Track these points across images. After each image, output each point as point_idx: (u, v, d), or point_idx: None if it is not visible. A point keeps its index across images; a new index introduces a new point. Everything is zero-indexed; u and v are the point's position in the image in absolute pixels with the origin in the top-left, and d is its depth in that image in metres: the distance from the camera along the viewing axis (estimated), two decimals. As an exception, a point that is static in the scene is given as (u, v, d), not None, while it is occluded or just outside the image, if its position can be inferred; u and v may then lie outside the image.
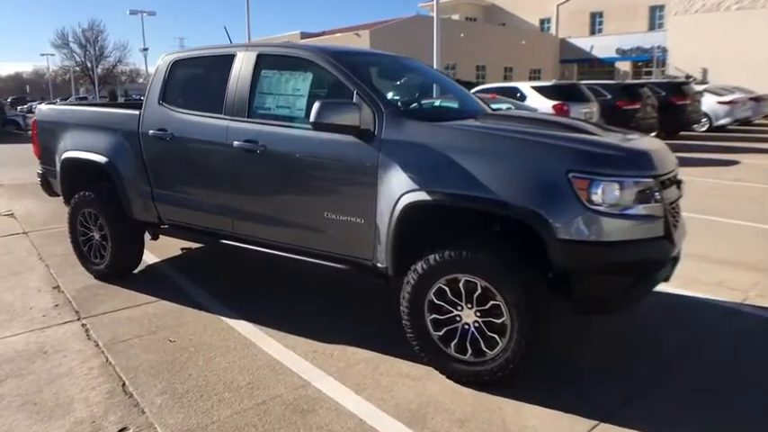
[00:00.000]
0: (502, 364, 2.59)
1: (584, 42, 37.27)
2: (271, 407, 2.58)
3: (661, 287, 3.93)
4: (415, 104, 3.30)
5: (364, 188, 2.86)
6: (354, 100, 2.93)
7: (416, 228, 2.78)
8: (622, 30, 35.08)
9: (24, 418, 2.54)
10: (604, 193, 2.41)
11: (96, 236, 4.28)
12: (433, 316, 2.74)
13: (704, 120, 15.56)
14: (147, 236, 4.28)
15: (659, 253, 2.61)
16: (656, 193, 2.55)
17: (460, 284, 2.64)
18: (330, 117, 2.80)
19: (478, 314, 2.64)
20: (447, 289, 2.68)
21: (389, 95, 3.23)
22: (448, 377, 2.77)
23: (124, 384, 2.81)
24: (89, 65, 58.57)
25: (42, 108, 4.67)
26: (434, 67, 16.54)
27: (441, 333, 2.74)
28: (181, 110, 3.68)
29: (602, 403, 2.58)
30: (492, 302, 2.57)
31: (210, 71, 3.63)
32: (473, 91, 12.60)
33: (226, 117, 3.43)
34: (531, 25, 40.82)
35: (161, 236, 4.21)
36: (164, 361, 3.05)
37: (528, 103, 11.19)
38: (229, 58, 3.53)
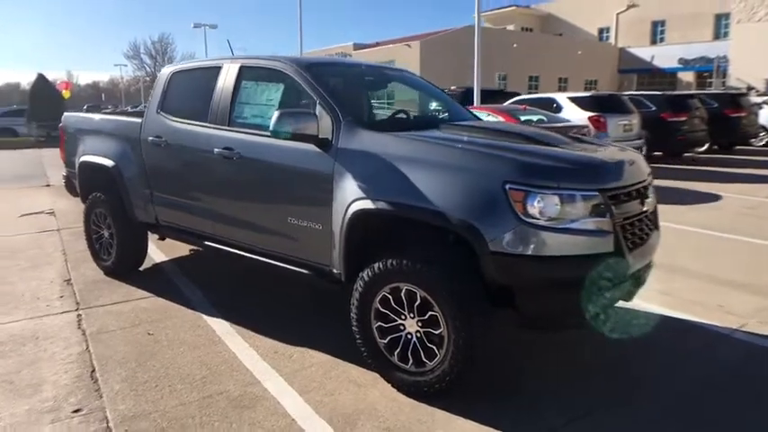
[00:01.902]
0: (439, 375, 2.60)
1: (644, 52, 35.83)
2: (215, 401, 2.71)
3: (654, 308, 3.87)
4: (376, 114, 3.35)
5: (322, 195, 2.95)
6: (317, 110, 3.04)
7: (365, 235, 2.84)
8: (686, 39, 33.47)
9: (-2, 395, 2.79)
10: (542, 205, 2.36)
11: (106, 234, 4.60)
12: (379, 324, 2.78)
13: (762, 133, 14.60)
14: (155, 236, 4.56)
15: (607, 270, 2.53)
16: (604, 208, 2.48)
17: (402, 293, 2.67)
18: (288, 126, 2.91)
19: (420, 324, 2.66)
20: (390, 297, 2.71)
21: (363, 105, 3.32)
22: (392, 385, 2.80)
23: (93, 371, 3.03)
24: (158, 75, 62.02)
25: (66, 116, 5.07)
26: (476, 77, 16.52)
27: (385, 341, 2.78)
28: (174, 118, 3.92)
29: (539, 425, 2.52)
30: (431, 313, 2.59)
31: (201, 82, 3.85)
32: (510, 101, 12.45)
33: (210, 125, 3.62)
34: (590, 35, 39.70)
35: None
36: (136, 352, 3.25)
37: (563, 114, 10.93)
38: (217, 70, 3.74)
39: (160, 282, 4.49)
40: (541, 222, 2.37)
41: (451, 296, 2.49)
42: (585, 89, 32.49)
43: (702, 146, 13.04)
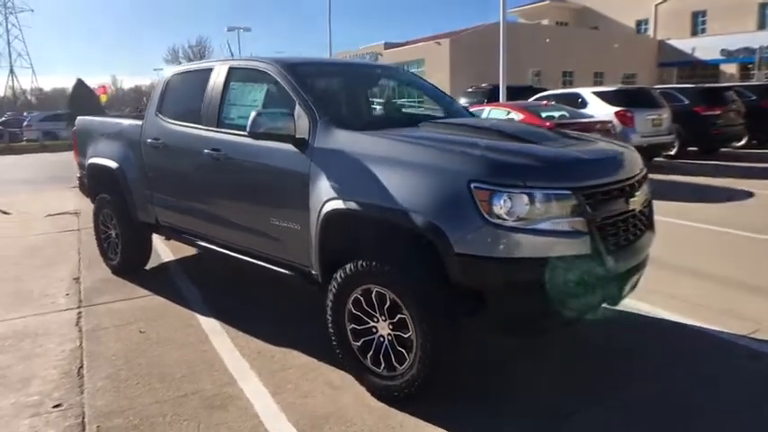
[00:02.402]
0: (409, 380, 2.55)
1: (684, 44, 34.38)
2: (189, 400, 2.74)
3: (655, 311, 3.71)
4: (356, 113, 3.30)
5: (299, 195, 2.94)
6: (296, 110, 3.03)
7: (339, 236, 2.81)
8: (728, 29, 31.89)
9: (-11, 389, 2.91)
10: (508, 205, 2.27)
11: (113, 234, 4.74)
12: (352, 326, 2.75)
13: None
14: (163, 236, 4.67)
15: (582, 273, 2.43)
16: (577, 207, 2.37)
17: (373, 295, 2.63)
18: (265, 126, 2.91)
19: (391, 327, 2.61)
20: (362, 299, 2.68)
21: (342, 105, 3.30)
22: (366, 389, 2.76)
23: (81, 367, 3.12)
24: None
25: (78, 120, 5.25)
26: (501, 74, 16.24)
27: (359, 343, 2.75)
28: (171, 120, 4.00)
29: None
30: (400, 316, 2.54)
31: (194, 84, 3.91)
32: (534, 98, 12.18)
33: (201, 127, 3.67)
34: (627, 27, 38.40)
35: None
36: (125, 349, 3.33)
37: (589, 109, 10.63)
38: (209, 72, 3.79)
39: (163, 281, 4.59)
40: (508, 223, 2.28)
41: (418, 299, 2.44)
42: (623, 83, 31.51)
43: (740, 140, 12.43)
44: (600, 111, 10.35)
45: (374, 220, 2.61)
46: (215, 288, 4.39)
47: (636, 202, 2.69)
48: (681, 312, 3.72)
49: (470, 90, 19.02)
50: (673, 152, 11.71)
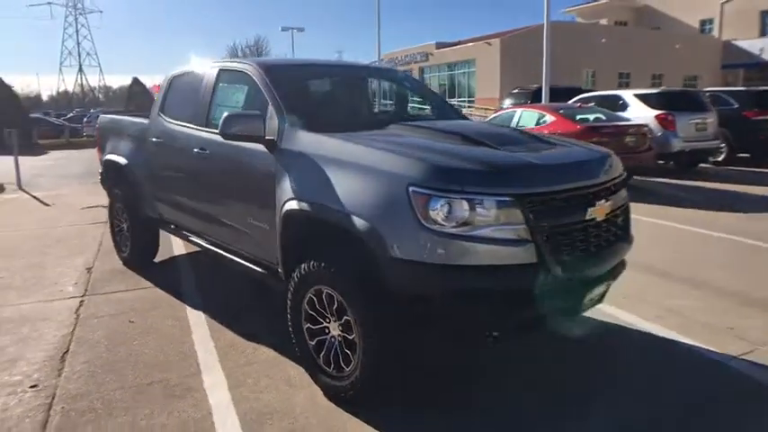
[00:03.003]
0: (353, 382, 2.56)
1: (752, 45, 32.21)
2: (152, 388, 2.87)
3: (648, 326, 3.53)
4: (326, 115, 3.31)
5: (268, 195, 3.01)
6: (269, 111, 3.10)
7: (297, 236, 2.86)
8: (801, 28, 29.71)
9: (-21, 367, 3.14)
10: (446, 210, 2.23)
11: (124, 227, 4.99)
12: (308, 325, 2.79)
13: None
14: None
15: (526, 283, 2.35)
16: (519, 214, 2.29)
17: (324, 296, 2.66)
18: (235, 127, 3.00)
19: (340, 328, 2.63)
20: (315, 299, 2.71)
21: (314, 106, 3.35)
22: (319, 388, 2.79)
23: (66, 352, 3.32)
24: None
25: (100, 117, 5.56)
26: (544, 76, 15.84)
27: (313, 343, 2.78)
28: (170, 120, 4.17)
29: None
30: (345, 317, 2.56)
31: (191, 86, 4.06)
32: (573, 100, 11.80)
33: (193, 126, 3.82)
34: (690, 27, 36.46)
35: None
36: (111, 337, 3.51)
37: (629, 112, 10.21)
38: (203, 74, 3.93)
39: (167, 274, 4.79)
40: (446, 229, 2.24)
41: (360, 302, 2.44)
42: (684, 86, 29.94)
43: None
44: (640, 114, 9.92)
45: (322, 222, 2.63)
46: (213, 282, 4.54)
47: (599, 211, 2.57)
48: (674, 328, 3.53)
49: (515, 91, 18.75)
50: (720, 158, 11.06)
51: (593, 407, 2.67)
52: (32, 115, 21.28)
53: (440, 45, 40.86)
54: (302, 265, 2.72)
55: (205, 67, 3.99)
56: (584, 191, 2.52)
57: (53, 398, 2.79)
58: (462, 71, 38.44)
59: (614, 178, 2.77)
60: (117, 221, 5.11)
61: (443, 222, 2.24)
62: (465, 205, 2.24)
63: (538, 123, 9.54)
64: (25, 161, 13.18)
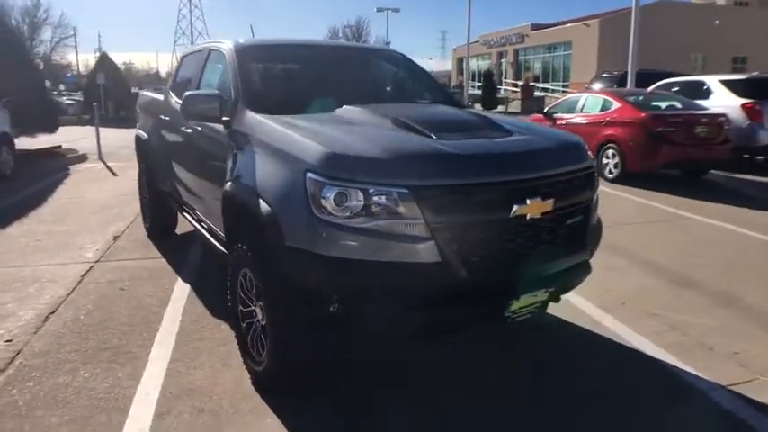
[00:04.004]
0: (266, 369, 2.54)
1: None
2: (102, 353, 3.03)
3: (638, 343, 3.15)
4: (280, 97, 3.21)
5: (223, 175, 3.03)
6: (231, 91, 3.11)
7: (231, 218, 2.84)
8: None
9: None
10: (339, 199, 2.10)
11: (147, 199, 5.30)
12: (240, 307, 2.79)
13: None
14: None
15: (421, 283, 2.15)
16: (418, 208, 2.08)
17: (248, 279, 2.64)
18: (194, 107, 3.03)
19: (261, 313, 2.60)
20: (244, 282, 2.70)
21: (273, 88, 3.31)
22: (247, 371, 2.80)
23: (53, 312, 3.60)
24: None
25: (139, 95, 5.91)
26: (630, 59, 14.55)
27: (244, 325, 2.78)
28: (175, 98, 4.32)
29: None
30: (260, 303, 2.52)
31: (192, 64, 4.18)
32: (654, 86, 10.74)
33: (183, 104, 3.93)
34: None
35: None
36: (98, 302, 3.76)
37: (712, 99, 9.12)
38: (200, 54, 4.03)
39: (180, 247, 5.02)
40: (336, 220, 2.11)
41: (263, 288, 2.39)
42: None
43: None
44: (724, 102, 8.83)
45: (243, 204, 2.59)
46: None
47: (532, 208, 2.28)
48: (667, 346, 3.12)
49: (604, 75, 17.63)
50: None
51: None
52: (133, 90, 23.23)
53: (536, 26, 38.97)
54: (234, 248, 2.72)
55: (202, 47, 4.08)
56: (509, 185, 2.25)
57: (18, 353, 3.05)
58: (558, 53, 36.50)
59: (564, 173, 2.45)
60: (143, 194, 5.43)
61: (334, 212, 2.11)
62: (357, 195, 2.09)
63: (602, 109, 8.83)
64: (120, 133, 14.45)
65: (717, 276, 4.28)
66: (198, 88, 3.80)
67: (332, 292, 2.18)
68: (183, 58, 4.57)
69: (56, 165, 10.48)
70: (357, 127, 2.56)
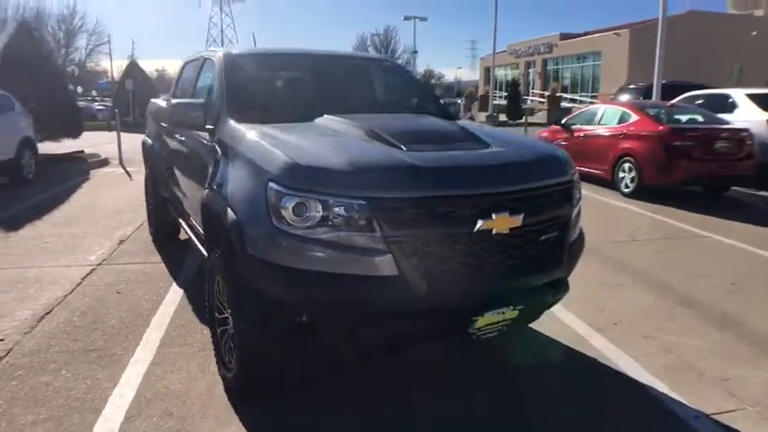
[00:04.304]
0: (235, 375, 2.55)
1: None
2: (87, 355, 3.10)
3: (622, 365, 3.05)
4: (263, 106, 3.25)
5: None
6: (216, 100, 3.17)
7: (208, 224, 2.88)
8: None
9: (-24, 315, 3.60)
10: (298, 210, 2.11)
11: (151, 204, 5.42)
12: (216, 314, 2.82)
13: None
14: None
15: (377, 297, 2.12)
16: (373, 220, 2.07)
17: (220, 286, 2.66)
18: (179, 116, 3.11)
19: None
20: (218, 289, 2.73)
21: (256, 96, 3.36)
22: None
23: (49, 312, 3.70)
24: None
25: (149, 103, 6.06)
26: (656, 70, 14.24)
27: (219, 331, 2.80)
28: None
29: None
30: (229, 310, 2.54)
31: (189, 72, 4.27)
32: (679, 98, 10.46)
33: (182, 114, 4.01)
34: None
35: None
36: (92, 304, 3.85)
37: (737, 114, 8.84)
38: (197, 62, 4.12)
39: (180, 251, 5.09)
40: (294, 230, 2.12)
41: (229, 295, 2.41)
42: None
43: None
44: (750, 116, 8.55)
45: (215, 211, 2.62)
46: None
47: (498, 223, 2.22)
48: (654, 369, 3.02)
49: (631, 87, 17.36)
50: None
51: None
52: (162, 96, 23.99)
53: (564, 36, 38.57)
54: (210, 254, 2.76)
55: (200, 55, 4.17)
56: (473, 199, 2.20)
57: (8, 352, 3.14)
58: (587, 63, 36.02)
59: (539, 187, 2.40)
60: (149, 198, 5.56)
61: (294, 223, 2.12)
62: (316, 206, 2.10)
63: (620, 122, 8.66)
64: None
65: (721, 298, 4.13)
66: (192, 96, 3.89)
67: (291, 303, 2.19)
68: (183, 66, 4.67)
69: (77, 169, 10.83)
70: (329, 137, 2.57)
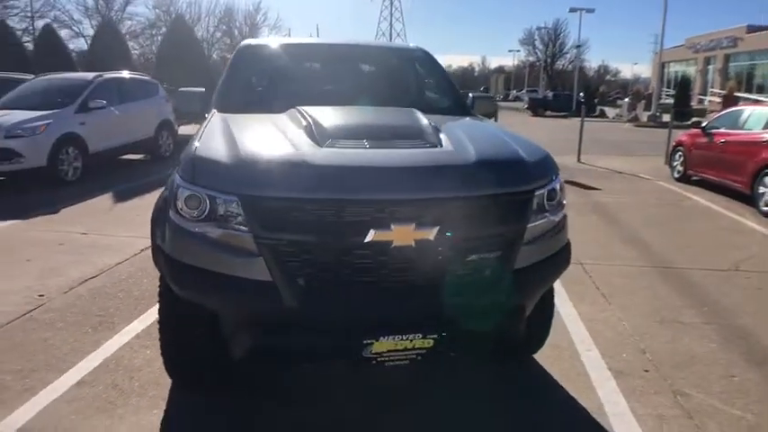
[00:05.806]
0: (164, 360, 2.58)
1: None
2: (93, 318, 3.41)
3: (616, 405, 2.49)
4: (252, 96, 3.14)
5: None
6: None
7: None
8: None
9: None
10: (190, 204, 2.05)
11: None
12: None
13: None
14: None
15: (248, 300, 1.97)
16: (245, 220, 1.93)
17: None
18: (183, 104, 3.23)
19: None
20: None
21: (257, 86, 3.29)
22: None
23: (95, 276, 4.13)
24: (547, 61, 64.37)
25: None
26: None
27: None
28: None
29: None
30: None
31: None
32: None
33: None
34: None
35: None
36: (135, 272, 4.24)
37: None
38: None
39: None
40: (186, 224, 2.07)
41: (161, 286, 2.42)
42: None
43: None
44: None
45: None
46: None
47: (399, 234, 1.90)
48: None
49: None
50: None
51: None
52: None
53: (752, 28, 33.15)
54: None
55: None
56: (366, 205, 1.92)
57: (37, 307, 3.57)
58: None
59: (471, 197, 2.02)
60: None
61: (185, 216, 2.07)
62: (204, 201, 2.02)
63: (767, 126, 7.14)
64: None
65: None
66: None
67: (176, 295, 2.15)
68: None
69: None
70: (256, 131, 2.44)
